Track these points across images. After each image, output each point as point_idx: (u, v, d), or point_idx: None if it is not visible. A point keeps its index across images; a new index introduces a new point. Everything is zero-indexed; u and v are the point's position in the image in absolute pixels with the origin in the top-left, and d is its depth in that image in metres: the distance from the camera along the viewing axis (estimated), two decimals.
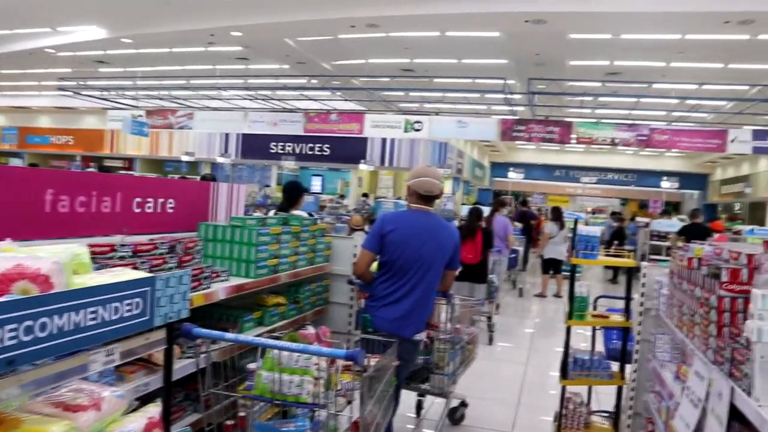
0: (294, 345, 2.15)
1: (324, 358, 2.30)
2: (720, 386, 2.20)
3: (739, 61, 11.90)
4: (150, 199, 3.23)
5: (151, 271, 2.45)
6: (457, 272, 3.82)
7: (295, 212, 5.18)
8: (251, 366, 2.48)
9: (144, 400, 1.85)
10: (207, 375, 2.32)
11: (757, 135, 12.42)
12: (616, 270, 13.72)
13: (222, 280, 3.02)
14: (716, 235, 11.26)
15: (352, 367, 2.60)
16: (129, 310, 1.50)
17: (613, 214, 17.28)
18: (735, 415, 2.05)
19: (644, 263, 3.70)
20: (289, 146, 18.45)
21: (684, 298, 2.78)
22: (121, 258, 2.43)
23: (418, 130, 13.98)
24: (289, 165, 18.63)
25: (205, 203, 3.69)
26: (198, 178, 21.10)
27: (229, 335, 2.20)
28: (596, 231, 3.79)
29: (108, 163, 22.20)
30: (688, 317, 2.71)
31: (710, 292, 2.33)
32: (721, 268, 2.26)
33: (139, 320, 1.53)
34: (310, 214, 5.16)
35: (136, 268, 2.34)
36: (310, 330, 2.76)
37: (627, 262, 3.87)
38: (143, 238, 2.80)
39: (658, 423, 3.25)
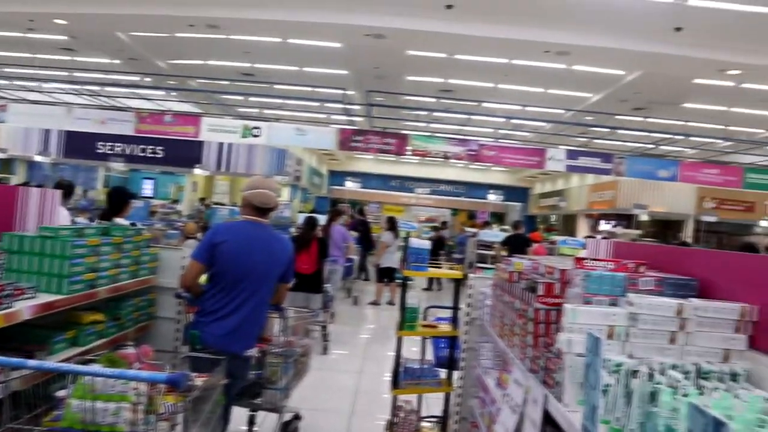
0: (108, 370, 1.97)
1: (144, 382, 2.14)
2: (535, 393, 2.34)
3: (557, 87, 13.02)
4: None
5: None
6: (290, 285, 3.76)
7: (118, 221, 4.84)
8: (60, 393, 2.24)
9: None
10: (5, 407, 2.06)
11: (570, 155, 13.68)
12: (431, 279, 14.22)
13: (28, 298, 2.72)
14: (535, 245, 12.23)
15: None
16: None
17: (443, 224, 18.16)
18: (549, 420, 2.20)
19: (471, 275, 3.89)
20: (118, 146, 17.18)
21: (505, 310, 2.95)
22: None
23: (256, 136, 13.71)
24: (118, 167, 17.43)
25: (10, 210, 3.31)
26: (12, 179, 19.15)
27: (32, 362, 1.97)
28: (426, 244, 3.93)
29: None
30: (508, 327, 2.86)
31: (527, 305, 2.48)
32: (537, 282, 2.42)
33: None
34: (133, 224, 4.83)
35: None
36: (131, 350, 2.56)
37: (455, 273, 4.04)
38: None
39: (481, 427, 3.42)
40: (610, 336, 2.02)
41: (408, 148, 13.47)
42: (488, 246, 13.70)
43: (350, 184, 28.07)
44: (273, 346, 4.01)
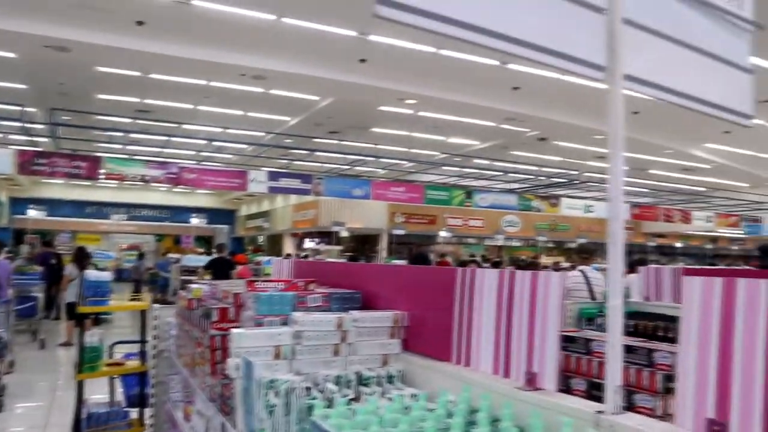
0: None
1: None
2: (215, 422, 2.30)
3: (257, 110, 13.29)
4: None
5: None
6: None
7: None
8: None
9: None
10: None
11: (272, 176, 13.97)
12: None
13: None
14: (240, 267, 12.24)
15: None
16: None
17: (140, 254, 17.18)
18: None
19: (156, 305, 3.71)
20: None
21: (187, 339, 2.86)
22: None
23: None
24: None
25: None
26: None
27: None
28: (106, 276, 3.64)
29: None
30: (190, 357, 2.79)
31: (204, 332, 2.43)
32: (212, 308, 2.39)
33: None
34: None
35: None
36: None
37: (140, 305, 3.82)
38: None
39: None
40: (277, 356, 2.07)
41: (101, 171, 12.44)
42: (192, 271, 13.32)
43: (35, 213, 24.90)
44: None
